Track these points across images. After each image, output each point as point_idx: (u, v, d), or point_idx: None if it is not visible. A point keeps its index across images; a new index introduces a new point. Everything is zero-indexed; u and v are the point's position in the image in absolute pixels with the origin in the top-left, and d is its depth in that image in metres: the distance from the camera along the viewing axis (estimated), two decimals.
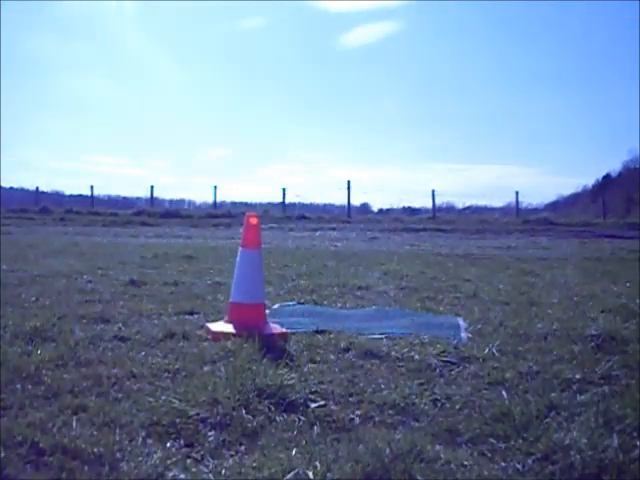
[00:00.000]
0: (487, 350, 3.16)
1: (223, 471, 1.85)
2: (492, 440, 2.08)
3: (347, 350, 3.14)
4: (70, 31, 62.38)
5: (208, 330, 3.50)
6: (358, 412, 2.32)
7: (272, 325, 3.62)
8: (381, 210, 30.15)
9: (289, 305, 4.59)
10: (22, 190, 30.07)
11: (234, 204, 28.12)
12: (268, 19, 62.28)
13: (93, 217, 20.45)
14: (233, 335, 3.32)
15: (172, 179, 56.81)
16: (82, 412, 2.23)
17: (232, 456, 1.96)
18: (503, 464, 1.93)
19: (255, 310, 3.62)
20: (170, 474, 1.82)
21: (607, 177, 36.02)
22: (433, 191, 24.45)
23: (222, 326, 3.55)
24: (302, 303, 4.71)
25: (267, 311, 3.86)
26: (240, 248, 3.71)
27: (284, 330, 3.54)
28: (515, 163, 60.39)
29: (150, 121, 61.08)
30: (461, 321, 4.00)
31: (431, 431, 2.15)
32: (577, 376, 2.74)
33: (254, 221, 3.74)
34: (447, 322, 3.97)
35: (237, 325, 3.49)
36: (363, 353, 3.09)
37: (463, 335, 3.56)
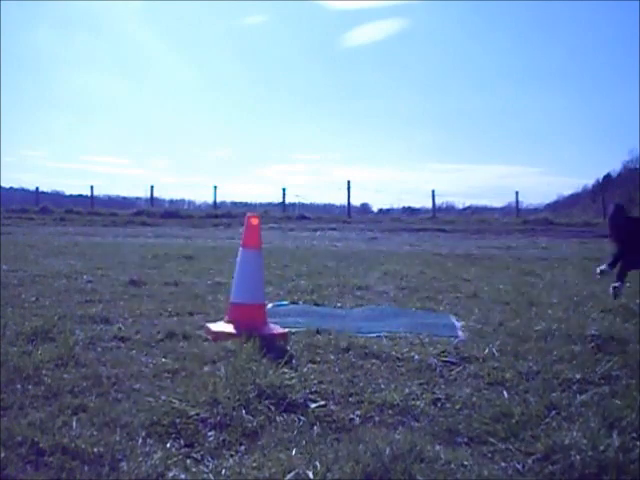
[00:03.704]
0: (487, 350, 3.16)
1: (223, 471, 1.85)
2: (492, 440, 2.08)
3: (347, 350, 3.14)
4: (71, 30, 62.40)
5: (208, 330, 3.50)
6: (358, 412, 2.32)
7: (272, 325, 3.62)
8: (381, 210, 30.19)
9: (282, 304, 4.58)
10: (22, 190, 30.09)
11: (234, 204, 28.14)
12: (270, 17, 62.25)
13: (93, 217, 20.45)
14: (233, 335, 3.32)
15: (172, 179, 56.87)
16: (82, 412, 2.23)
17: (232, 456, 1.96)
18: (503, 464, 1.93)
19: (255, 310, 3.61)
20: (170, 474, 1.82)
21: (607, 177, 36.01)
22: (433, 191, 24.47)
23: (222, 326, 3.54)
24: (295, 302, 4.71)
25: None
26: (240, 248, 3.71)
27: (284, 330, 3.53)
28: (515, 163, 60.39)
29: (150, 121, 61.09)
30: (455, 320, 4.01)
31: (431, 431, 2.15)
32: (577, 376, 2.74)
33: (255, 221, 3.73)
34: (442, 321, 3.97)
35: (237, 325, 3.49)
36: (363, 353, 3.09)
37: (460, 334, 3.58)
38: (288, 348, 3.12)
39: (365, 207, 32.09)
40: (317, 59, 65.05)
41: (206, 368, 2.79)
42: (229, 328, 3.48)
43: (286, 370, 2.74)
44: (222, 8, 62.95)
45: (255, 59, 64.99)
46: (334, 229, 17.39)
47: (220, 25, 63.58)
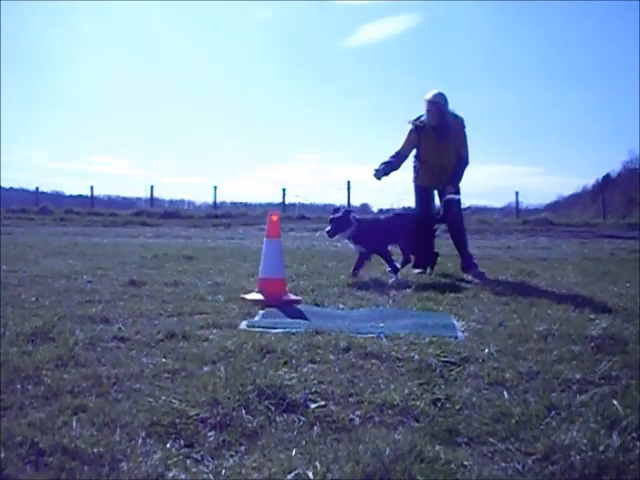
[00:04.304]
0: (487, 350, 3.16)
1: (223, 471, 1.85)
2: (492, 440, 2.08)
3: (347, 350, 3.13)
4: (71, 30, 62.39)
5: (244, 299, 4.59)
6: (358, 412, 2.32)
7: (289, 294, 4.78)
8: (381, 210, 30.13)
9: None
10: (22, 190, 30.11)
11: (234, 204, 28.17)
12: (276, 14, 62.13)
13: (93, 217, 20.45)
14: (262, 301, 4.49)
15: (172, 179, 56.94)
16: (82, 412, 2.23)
17: (232, 456, 1.96)
18: (503, 464, 1.93)
19: (278, 283, 4.79)
20: (170, 474, 1.82)
21: (607, 177, 36.01)
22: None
23: (255, 295, 4.66)
24: None
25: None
26: (265, 238, 4.97)
27: (298, 298, 4.75)
28: (515, 163, 60.42)
29: (150, 121, 61.11)
30: (455, 320, 4.00)
31: (431, 431, 2.15)
32: (577, 376, 2.73)
33: (275, 218, 5.05)
34: (442, 321, 3.97)
35: (266, 294, 4.62)
36: (363, 353, 3.09)
37: (460, 334, 3.58)
38: (288, 348, 3.12)
39: (365, 207, 32.05)
40: (318, 59, 65.06)
41: (206, 368, 2.79)
42: (259, 296, 4.63)
43: (286, 370, 2.74)
44: (223, 8, 62.88)
45: (256, 59, 65.02)
46: None
47: (220, 25, 63.54)
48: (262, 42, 70.22)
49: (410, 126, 6.60)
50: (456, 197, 6.58)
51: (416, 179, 6.76)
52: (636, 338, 3.43)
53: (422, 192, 6.77)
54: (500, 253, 10.15)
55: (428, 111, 6.46)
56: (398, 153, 6.62)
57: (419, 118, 6.58)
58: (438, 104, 6.41)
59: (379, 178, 6.53)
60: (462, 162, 6.64)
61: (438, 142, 6.48)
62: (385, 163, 6.53)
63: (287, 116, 64.62)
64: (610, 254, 10.20)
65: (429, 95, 6.45)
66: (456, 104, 6.57)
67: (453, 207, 6.64)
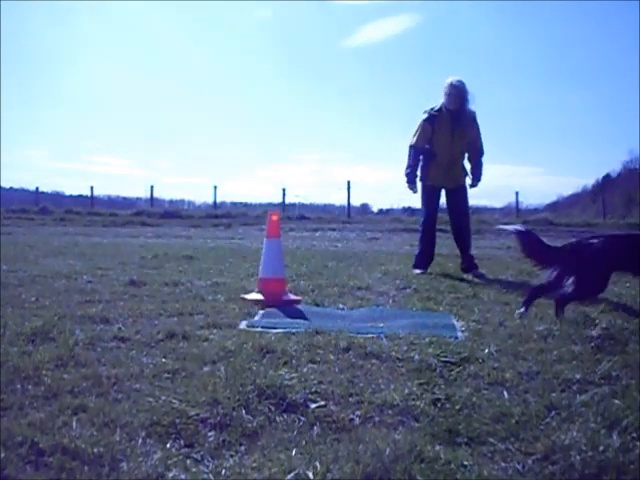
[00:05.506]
0: (487, 350, 3.16)
1: (223, 471, 1.85)
2: (492, 440, 2.08)
3: (347, 350, 3.13)
4: (72, 31, 62.39)
5: (244, 299, 4.55)
6: (358, 412, 2.32)
7: (289, 294, 4.76)
8: (381, 210, 30.15)
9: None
10: (22, 190, 30.10)
11: (234, 204, 28.17)
12: (276, 14, 62.12)
13: (93, 217, 20.43)
14: (262, 301, 4.44)
15: (172, 179, 56.99)
16: (82, 412, 2.23)
17: (232, 456, 1.96)
18: (503, 464, 1.93)
19: (278, 283, 4.73)
20: (170, 474, 1.82)
21: (607, 177, 35.98)
22: None
23: (255, 295, 4.62)
24: None
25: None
26: (265, 239, 4.91)
27: (298, 298, 4.73)
28: (515, 163, 60.38)
29: (151, 121, 61.11)
30: (455, 320, 4.00)
31: (431, 431, 2.15)
32: (577, 376, 2.73)
33: (275, 217, 5.01)
34: (442, 321, 3.97)
35: (266, 294, 4.57)
36: (363, 353, 3.09)
37: (460, 334, 3.57)
38: (288, 348, 3.12)
39: (365, 207, 32.10)
40: (318, 59, 65.09)
41: (206, 368, 2.79)
42: (259, 296, 4.58)
43: (286, 370, 2.74)
44: (223, 8, 62.90)
45: (256, 59, 65.02)
46: (334, 229, 17.36)
47: (220, 25, 63.55)
48: (262, 42, 70.19)
49: (424, 115, 6.51)
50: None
51: (424, 178, 6.67)
52: (636, 338, 3.43)
53: (430, 192, 6.68)
54: (500, 253, 10.16)
55: (449, 94, 6.36)
56: (413, 148, 6.56)
57: (433, 109, 6.51)
58: (460, 88, 6.34)
59: (415, 191, 6.63)
60: (479, 154, 6.61)
61: (454, 129, 6.38)
62: (408, 173, 6.57)
63: (287, 116, 64.60)
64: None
65: (451, 79, 6.38)
66: None
67: (460, 207, 6.67)
